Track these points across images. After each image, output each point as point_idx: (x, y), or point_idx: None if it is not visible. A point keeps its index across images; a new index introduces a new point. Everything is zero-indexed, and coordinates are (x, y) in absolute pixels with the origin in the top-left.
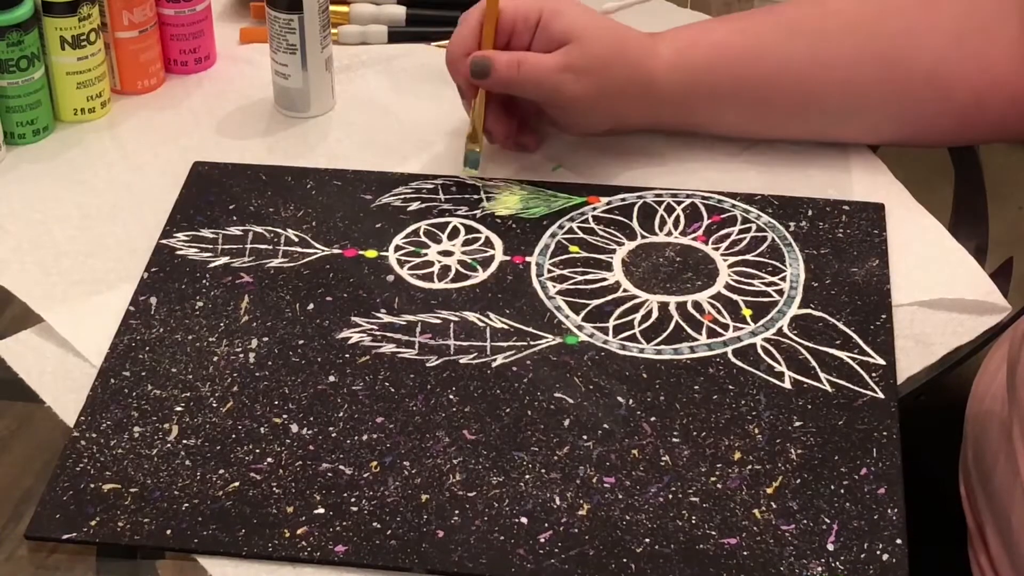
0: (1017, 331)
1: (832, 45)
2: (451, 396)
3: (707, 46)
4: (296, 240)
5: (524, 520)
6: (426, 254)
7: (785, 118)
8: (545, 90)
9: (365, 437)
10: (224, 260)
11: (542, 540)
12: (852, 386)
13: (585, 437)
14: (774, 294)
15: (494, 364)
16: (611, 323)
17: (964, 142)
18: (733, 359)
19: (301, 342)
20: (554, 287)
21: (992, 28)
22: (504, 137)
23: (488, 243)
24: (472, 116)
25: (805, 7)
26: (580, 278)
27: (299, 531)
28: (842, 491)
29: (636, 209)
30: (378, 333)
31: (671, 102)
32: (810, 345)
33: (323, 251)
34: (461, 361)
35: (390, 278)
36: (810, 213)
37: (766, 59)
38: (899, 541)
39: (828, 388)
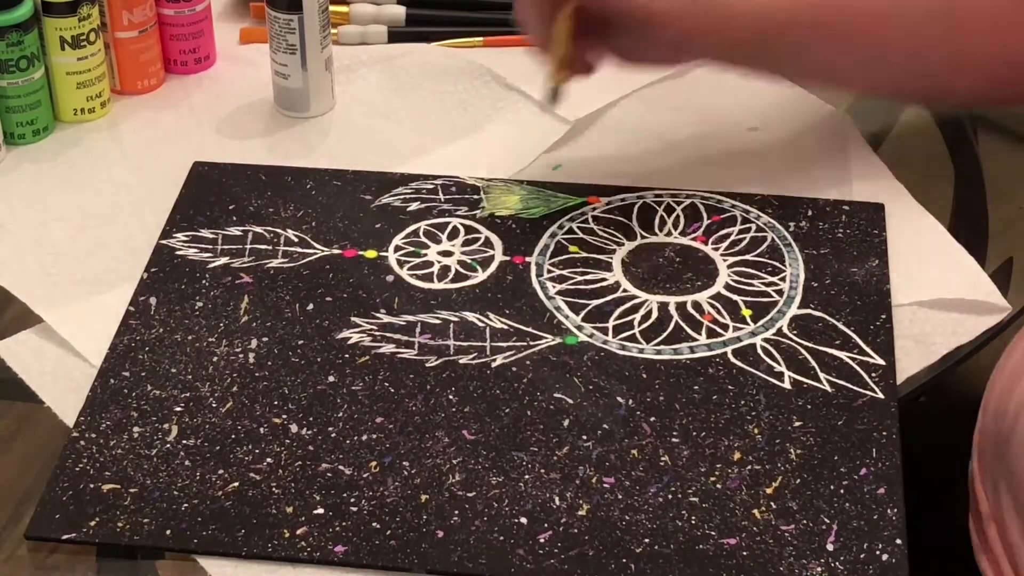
0: None
1: None
2: (451, 396)
3: None
4: (296, 240)
5: (524, 520)
6: (426, 254)
7: (857, 64)
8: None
9: (364, 437)
10: (224, 260)
11: (542, 540)
12: (852, 386)
13: (585, 437)
14: (774, 294)
15: (494, 364)
16: (611, 323)
17: (1016, 102)
18: (733, 359)
19: (301, 342)
20: (554, 287)
21: None
22: (577, 63)
23: (488, 243)
24: (555, 44)
25: None
26: (580, 278)
27: (299, 531)
28: (842, 491)
29: (636, 209)
30: (378, 333)
31: (746, 41)
32: (810, 345)
33: (323, 251)
34: (461, 361)
35: (390, 278)
36: (810, 213)
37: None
38: (899, 541)
39: (828, 388)
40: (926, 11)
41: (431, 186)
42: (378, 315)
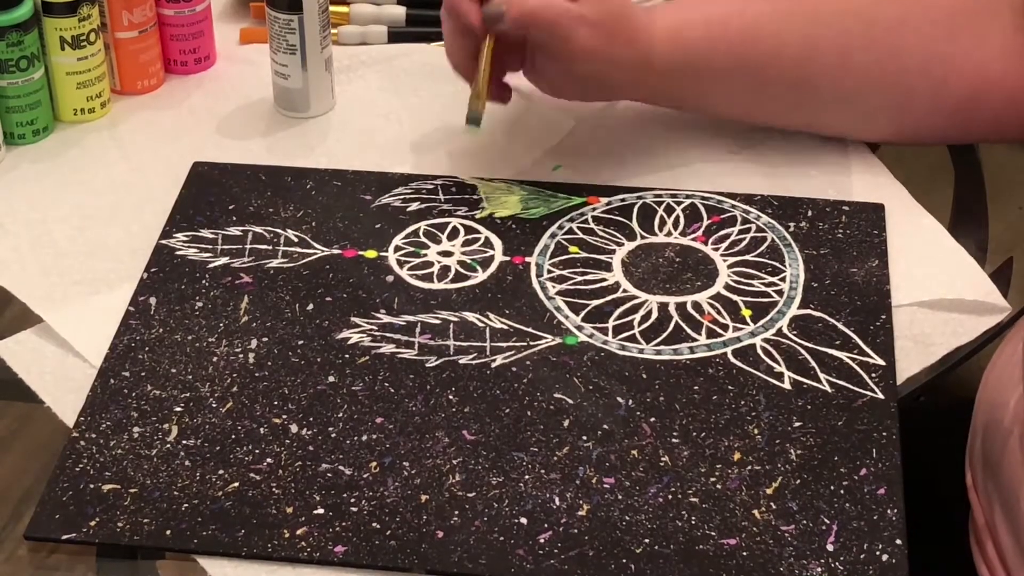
0: None
1: (825, 30)
2: (451, 396)
3: (703, 25)
4: (296, 240)
5: (524, 520)
6: (426, 254)
7: (779, 103)
8: (557, 34)
9: (365, 437)
10: (224, 260)
11: (542, 540)
12: (852, 386)
13: (585, 437)
14: (774, 294)
15: (494, 364)
16: (611, 323)
17: (960, 140)
18: (733, 359)
19: (301, 342)
20: (554, 287)
21: (983, 24)
22: (497, 89)
23: (488, 243)
24: (480, 67)
25: None
26: (580, 278)
27: (299, 531)
28: (842, 491)
29: (636, 209)
30: (377, 333)
31: (665, 79)
32: (810, 345)
33: (323, 251)
34: (461, 361)
35: (390, 278)
36: (810, 213)
37: (761, 41)
38: (899, 541)
39: (828, 388)
40: (849, 37)
41: (431, 186)
42: (378, 315)
